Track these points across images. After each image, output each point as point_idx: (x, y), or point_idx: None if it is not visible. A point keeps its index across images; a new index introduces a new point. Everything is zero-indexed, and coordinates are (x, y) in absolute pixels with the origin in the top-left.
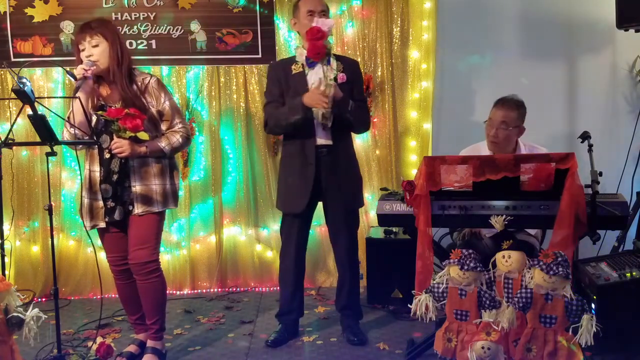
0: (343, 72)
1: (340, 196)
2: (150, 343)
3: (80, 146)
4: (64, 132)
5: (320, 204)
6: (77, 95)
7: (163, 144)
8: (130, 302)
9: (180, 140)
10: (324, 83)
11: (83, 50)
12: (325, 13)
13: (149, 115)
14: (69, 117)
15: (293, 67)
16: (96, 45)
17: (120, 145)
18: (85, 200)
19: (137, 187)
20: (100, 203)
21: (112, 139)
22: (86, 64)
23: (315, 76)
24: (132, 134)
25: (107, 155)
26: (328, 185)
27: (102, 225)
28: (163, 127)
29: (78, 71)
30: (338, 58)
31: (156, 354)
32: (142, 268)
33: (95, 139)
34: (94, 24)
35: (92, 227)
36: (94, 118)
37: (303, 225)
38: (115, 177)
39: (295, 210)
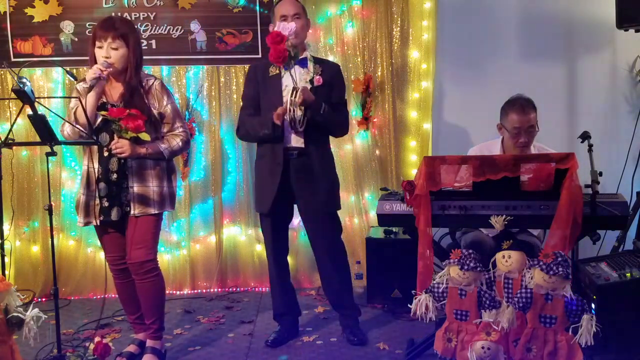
0: (321, 75)
1: (314, 199)
2: (149, 343)
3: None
4: (65, 126)
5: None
6: (89, 94)
7: (163, 146)
8: (129, 302)
9: (180, 144)
10: (290, 91)
11: (100, 47)
12: (299, 16)
13: (150, 117)
14: (75, 112)
15: (270, 69)
16: (116, 49)
17: (121, 146)
18: (82, 197)
19: (135, 188)
20: (96, 201)
21: (111, 137)
22: (102, 64)
23: (289, 80)
24: (134, 135)
25: (106, 154)
26: (300, 188)
27: (96, 223)
28: (163, 129)
29: (94, 70)
30: (318, 61)
31: (155, 354)
32: (139, 268)
33: (95, 138)
34: (118, 25)
35: (86, 224)
36: (99, 118)
37: (276, 225)
38: (114, 176)
39: (262, 210)
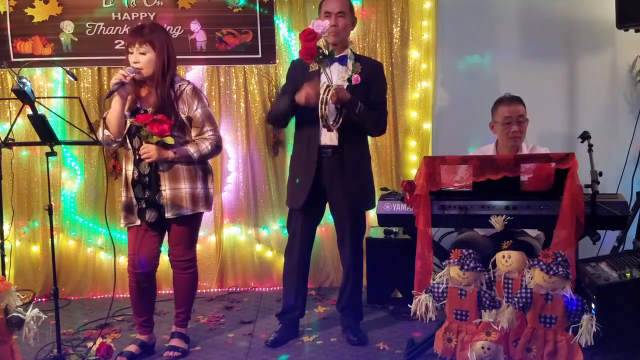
0: (360, 73)
1: (346, 198)
2: (176, 329)
3: (116, 145)
4: (99, 132)
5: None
6: (114, 100)
7: (192, 150)
8: (140, 305)
9: (210, 147)
10: (324, 89)
11: (131, 53)
12: (343, 14)
13: (177, 122)
14: (105, 117)
15: (311, 65)
16: (143, 53)
17: (147, 150)
18: (123, 199)
19: (167, 191)
20: (134, 201)
21: (142, 142)
22: (128, 70)
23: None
24: (159, 139)
25: (138, 158)
26: (332, 186)
27: (137, 223)
28: (193, 133)
29: (116, 76)
30: (359, 59)
31: (182, 338)
32: (178, 264)
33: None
34: (146, 31)
35: (127, 225)
36: (128, 121)
37: (306, 221)
38: (146, 179)
39: (295, 206)
